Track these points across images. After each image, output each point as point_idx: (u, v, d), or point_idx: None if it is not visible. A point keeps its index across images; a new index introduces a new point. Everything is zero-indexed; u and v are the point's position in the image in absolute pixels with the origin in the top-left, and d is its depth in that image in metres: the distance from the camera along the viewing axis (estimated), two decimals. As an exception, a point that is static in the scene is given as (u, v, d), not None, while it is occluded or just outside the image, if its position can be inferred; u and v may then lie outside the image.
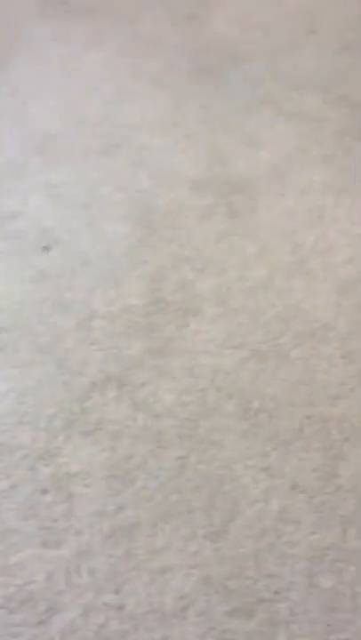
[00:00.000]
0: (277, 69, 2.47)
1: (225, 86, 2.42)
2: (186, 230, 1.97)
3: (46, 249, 1.90)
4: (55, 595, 1.28)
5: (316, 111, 2.33)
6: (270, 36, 2.60)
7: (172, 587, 1.30)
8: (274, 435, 1.52)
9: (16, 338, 1.69)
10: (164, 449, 1.49)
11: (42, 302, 1.78)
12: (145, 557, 1.33)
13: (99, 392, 1.59)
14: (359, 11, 2.73)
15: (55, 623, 1.25)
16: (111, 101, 2.36)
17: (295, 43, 2.57)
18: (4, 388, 1.60)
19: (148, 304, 1.78)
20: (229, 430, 1.53)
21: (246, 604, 1.28)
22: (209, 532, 1.37)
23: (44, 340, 1.70)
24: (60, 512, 1.39)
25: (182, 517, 1.39)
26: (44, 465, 1.47)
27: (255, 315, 1.76)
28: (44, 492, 1.42)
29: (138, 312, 1.76)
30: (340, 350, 1.69)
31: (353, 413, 1.55)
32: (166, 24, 2.63)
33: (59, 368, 1.63)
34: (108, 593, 1.29)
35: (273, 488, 1.43)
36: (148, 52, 2.52)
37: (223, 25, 2.64)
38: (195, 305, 1.78)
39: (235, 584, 1.30)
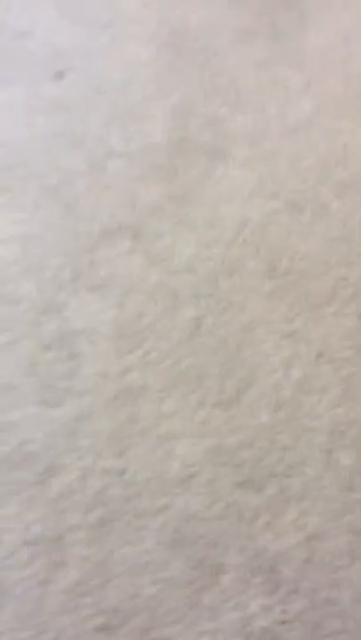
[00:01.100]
0: None
1: None
2: (220, 56, 1.70)
3: (59, 75, 1.67)
4: (54, 456, 1.22)
5: None
6: None
7: (177, 454, 1.21)
8: (303, 297, 1.36)
9: (21, 178, 1.52)
10: (179, 308, 1.36)
11: (51, 138, 1.58)
12: (150, 423, 1.24)
13: (110, 242, 1.44)
14: None
15: (54, 485, 1.19)
16: None
17: None
18: (9, 234, 1.46)
19: (171, 143, 1.57)
20: (253, 290, 1.37)
21: (257, 477, 1.19)
22: (221, 399, 1.26)
23: (52, 181, 1.52)
24: (63, 371, 1.30)
25: (193, 383, 1.28)
26: (48, 320, 1.35)
27: (293, 159, 1.54)
28: (47, 348, 1.32)
29: (159, 152, 1.55)
30: (388, 204, 1.47)
31: (395, 277, 1.37)
32: None
33: (67, 213, 1.47)
34: (109, 457, 1.21)
35: (296, 356, 1.30)
36: None
37: None
38: (224, 146, 1.56)
39: (245, 455, 1.21)
